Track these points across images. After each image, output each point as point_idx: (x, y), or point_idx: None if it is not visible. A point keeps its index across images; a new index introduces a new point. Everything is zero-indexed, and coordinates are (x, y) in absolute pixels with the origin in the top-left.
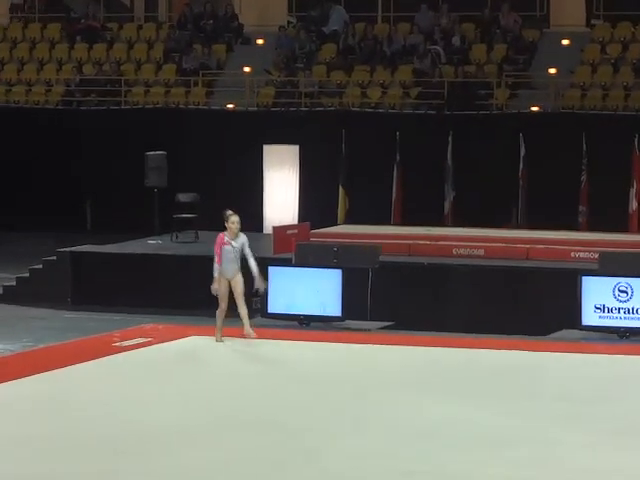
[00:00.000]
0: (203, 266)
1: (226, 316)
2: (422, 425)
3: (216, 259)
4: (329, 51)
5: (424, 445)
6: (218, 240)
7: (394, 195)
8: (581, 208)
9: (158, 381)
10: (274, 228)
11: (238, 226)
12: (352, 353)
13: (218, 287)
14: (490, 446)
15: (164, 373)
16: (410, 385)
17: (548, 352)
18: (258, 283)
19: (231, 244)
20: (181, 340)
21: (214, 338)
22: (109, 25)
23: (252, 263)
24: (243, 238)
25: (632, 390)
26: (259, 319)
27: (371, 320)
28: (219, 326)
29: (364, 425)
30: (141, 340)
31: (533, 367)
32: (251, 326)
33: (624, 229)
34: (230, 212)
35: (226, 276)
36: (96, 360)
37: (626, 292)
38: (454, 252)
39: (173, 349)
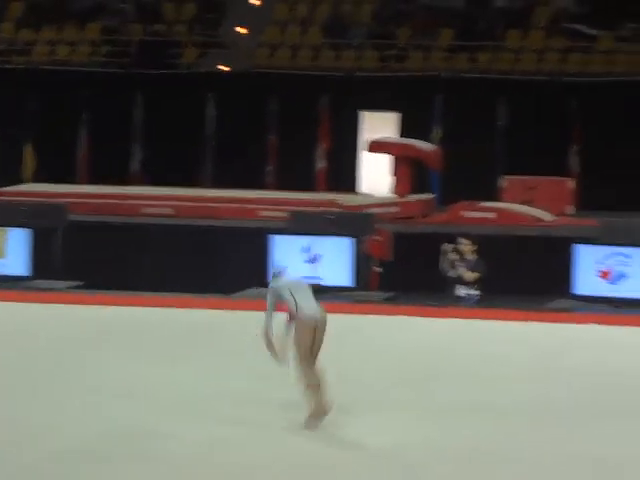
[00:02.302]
0: None
1: None
2: (119, 386)
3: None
4: (16, 9)
5: (126, 405)
6: None
7: (81, 153)
8: (269, 167)
9: None
10: None
11: None
12: (44, 311)
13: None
14: (190, 405)
15: None
16: (102, 343)
17: (241, 310)
18: None
19: None
20: None
21: None
22: None
23: None
24: None
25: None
26: None
27: (62, 280)
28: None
29: (64, 382)
30: None
31: (226, 325)
32: None
33: (312, 188)
34: None
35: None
36: None
37: (307, 252)
38: (143, 211)
39: None
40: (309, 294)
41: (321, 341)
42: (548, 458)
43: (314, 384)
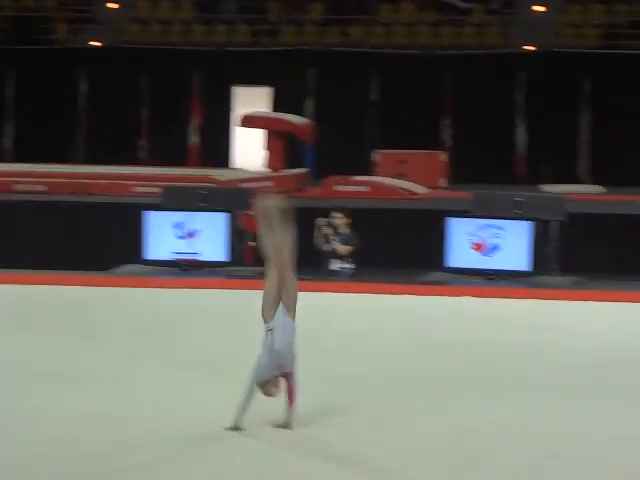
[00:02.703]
0: None
1: None
2: None
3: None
4: None
5: None
6: None
7: None
8: (141, 143)
9: None
10: None
11: None
12: None
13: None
14: (65, 382)
15: None
16: None
17: (114, 287)
18: None
19: None
20: None
21: None
22: None
23: None
24: None
25: (198, 324)
26: None
27: None
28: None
29: None
30: None
31: (102, 303)
32: None
33: (185, 163)
34: None
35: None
36: None
37: (182, 228)
38: (16, 188)
39: None
40: None
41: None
42: (416, 431)
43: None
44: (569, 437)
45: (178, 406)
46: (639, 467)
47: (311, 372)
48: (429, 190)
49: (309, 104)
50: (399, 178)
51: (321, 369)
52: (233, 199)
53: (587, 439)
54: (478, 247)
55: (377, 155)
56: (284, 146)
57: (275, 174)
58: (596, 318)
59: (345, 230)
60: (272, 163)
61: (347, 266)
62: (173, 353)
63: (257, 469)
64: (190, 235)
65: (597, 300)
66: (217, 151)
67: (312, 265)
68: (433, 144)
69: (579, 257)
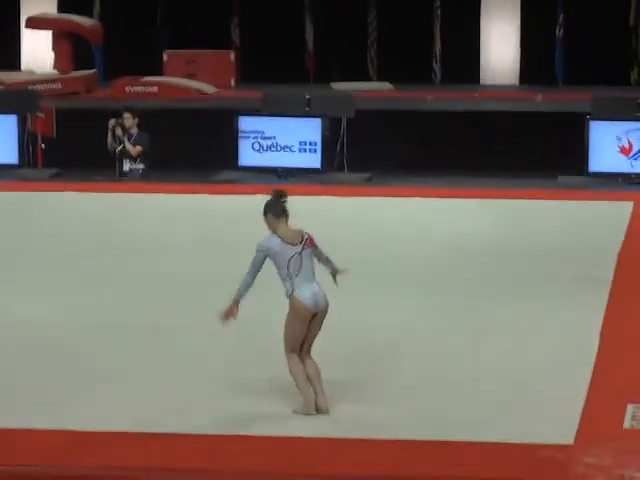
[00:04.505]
0: None
1: None
2: None
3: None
4: None
5: None
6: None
7: None
8: None
9: None
10: None
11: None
12: None
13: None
14: None
15: None
16: None
17: None
18: None
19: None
20: None
21: None
22: None
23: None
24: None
25: None
26: None
27: None
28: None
29: None
30: None
31: None
32: None
33: None
34: None
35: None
36: None
37: None
38: None
39: None
40: (309, 268)
41: (315, 334)
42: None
43: (300, 379)
44: None
45: None
46: None
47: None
48: (219, 90)
49: (97, 5)
50: (189, 78)
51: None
52: (23, 101)
53: None
54: None
55: (166, 55)
56: (72, 48)
57: (64, 76)
58: (382, 214)
59: (135, 130)
60: (61, 65)
61: (138, 166)
62: None
63: None
64: None
65: (385, 195)
66: (5, 54)
67: (104, 166)
68: (222, 43)
69: (368, 154)
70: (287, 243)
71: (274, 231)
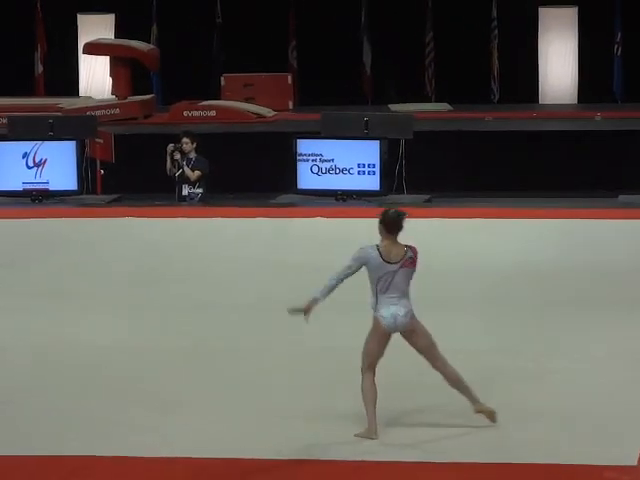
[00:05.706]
0: None
1: None
2: None
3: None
4: None
5: None
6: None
7: None
8: None
9: None
10: None
11: None
12: None
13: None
14: None
15: None
16: None
17: None
18: None
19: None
20: None
21: None
22: None
23: None
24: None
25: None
26: None
27: None
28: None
29: None
30: None
31: None
32: None
33: (31, 93)
34: None
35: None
36: None
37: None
38: None
39: None
40: (401, 288)
41: (381, 354)
42: (272, 349)
43: (369, 400)
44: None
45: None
46: None
47: (168, 298)
48: (277, 112)
49: (154, 30)
50: (247, 102)
51: (178, 293)
52: (81, 127)
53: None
54: None
55: (224, 79)
56: (129, 73)
57: (122, 101)
58: (444, 235)
59: (193, 155)
60: (118, 90)
61: (196, 191)
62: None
63: None
64: (39, 165)
65: (444, 217)
66: (63, 80)
67: (163, 191)
68: (280, 66)
69: (427, 175)
70: (384, 260)
71: (380, 241)
